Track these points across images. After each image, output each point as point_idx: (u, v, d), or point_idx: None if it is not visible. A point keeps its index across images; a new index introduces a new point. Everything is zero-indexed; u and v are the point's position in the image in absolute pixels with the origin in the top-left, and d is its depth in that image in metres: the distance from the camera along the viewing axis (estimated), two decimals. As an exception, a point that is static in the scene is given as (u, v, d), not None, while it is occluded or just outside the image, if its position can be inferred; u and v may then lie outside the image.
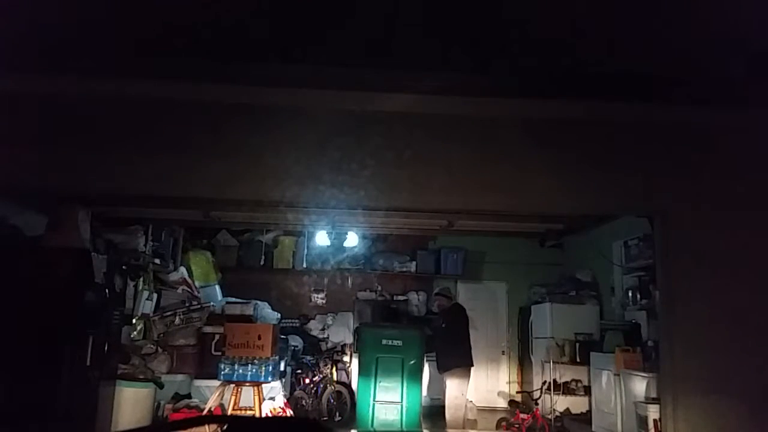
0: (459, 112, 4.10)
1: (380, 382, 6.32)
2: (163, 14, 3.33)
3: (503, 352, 9.15)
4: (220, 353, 6.11)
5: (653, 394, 5.41)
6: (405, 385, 6.28)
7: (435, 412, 8.32)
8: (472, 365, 6.62)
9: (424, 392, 8.28)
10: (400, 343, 6.39)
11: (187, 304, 6.97)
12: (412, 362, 6.35)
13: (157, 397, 6.28)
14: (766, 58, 3.50)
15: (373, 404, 6.30)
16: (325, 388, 7.64)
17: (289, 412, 6.57)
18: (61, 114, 3.97)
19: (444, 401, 6.61)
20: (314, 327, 8.88)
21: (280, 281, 9.01)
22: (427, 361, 7.88)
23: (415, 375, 6.38)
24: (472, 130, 4.16)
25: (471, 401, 8.19)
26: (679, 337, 4.13)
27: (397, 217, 6.70)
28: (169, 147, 4.07)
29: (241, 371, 5.76)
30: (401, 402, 6.25)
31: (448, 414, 6.43)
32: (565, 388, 7.37)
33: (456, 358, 6.49)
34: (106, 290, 5.76)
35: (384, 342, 6.44)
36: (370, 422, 6.28)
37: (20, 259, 4.93)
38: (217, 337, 6.65)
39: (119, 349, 6.17)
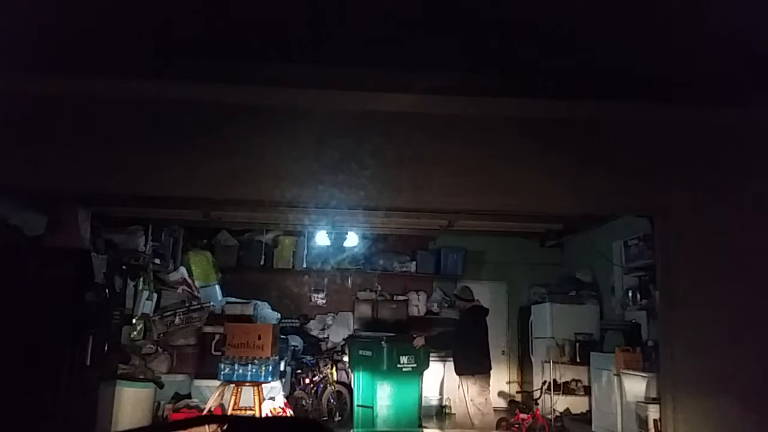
0: (459, 112, 4.10)
1: (360, 388, 6.65)
2: (162, 14, 3.33)
3: (503, 352, 9.14)
4: (220, 353, 6.11)
5: (653, 394, 5.41)
6: (377, 391, 6.47)
7: (438, 412, 8.37)
8: (490, 368, 6.50)
9: (437, 394, 8.35)
10: (370, 353, 6.61)
11: (187, 304, 6.97)
12: (382, 370, 6.42)
13: (157, 397, 6.28)
14: (766, 58, 3.50)
15: (357, 408, 6.63)
16: (325, 388, 7.65)
17: (289, 412, 6.57)
18: (61, 114, 3.96)
19: (451, 402, 6.55)
20: (314, 327, 8.88)
21: (280, 281, 9.01)
22: (442, 361, 7.93)
23: (389, 381, 6.43)
24: (472, 130, 4.16)
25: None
26: (679, 337, 4.12)
27: (397, 217, 6.70)
28: (169, 147, 4.07)
29: (241, 371, 5.76)
30: (373, 407, 6.45)
31: (477, 420, 6.23)
32: (565, 388, 7.38)
33: (475, 362, 6.36)
34: (106, 290, 5.76)
35: (360, 353, 6.76)
36: (355, 424, 6.50)
37: (20, 259, 4.93)
38: (217, 337, 6.64)
39: (119, 349, 6.17)
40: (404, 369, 6.50)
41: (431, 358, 7.24)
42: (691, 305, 4.09)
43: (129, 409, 5.81)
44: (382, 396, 6.41)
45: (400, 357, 6.51)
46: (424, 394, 7.36)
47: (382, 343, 6.52)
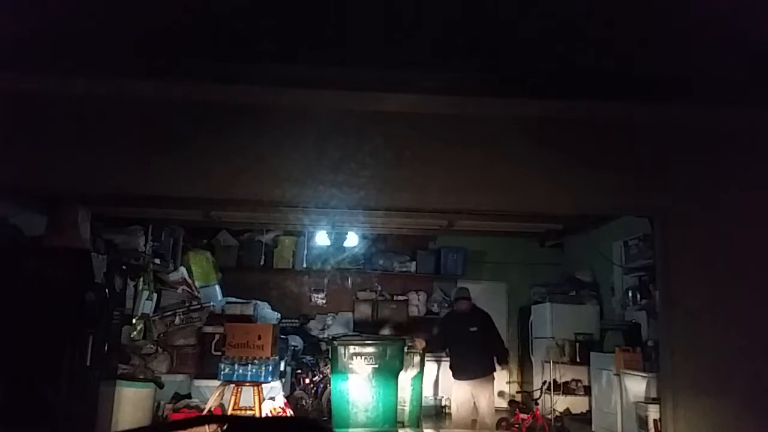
0: (459, 112, 4.10)
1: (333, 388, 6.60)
2: (163, 14, 3.33)
3: (503, 352, 9.13)
4: (220, 353, 6.11)
5: (653, 394, 5.42)
6: (334, 391, 6.43)
7: (436, 412, 8.36)
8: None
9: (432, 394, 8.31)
10: (329, 354, 6.59)
11: (187, 304, 6.98)
12: (335, 370, 6.38)
13: (157, 397, 6.28)
14: (766, 58, 3.50)
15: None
16: (325, 388, 7.64)
17: (289, 412, 6.57)
18: (61, 114, 3.96)
19: (452, 406, 6.40)
20: (314, 327, 8.88)
21: (280, 281, 9.01)
22: (436, 361, 7.89)
23: (342, 381, 6.38)
24: (472, 130, 4.16)
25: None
26: (679, 337, 4.12)
27: (397, 217, 6.71)
28: (169, 147, 4.07)
29: (241, 371, 5.76)
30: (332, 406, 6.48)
31: (489, 420, 6.15)
32: (565, 388, 7.38)
33: (486, 365, 6.25)
34: (106, 290, 5.76)
35: (329, 354, 6.66)
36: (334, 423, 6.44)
37: (20, 259, 4.93)
38: (217, 337, 6.64)
39: (119, 349, 6.17)
40: (357, 370, 6.28)
41: (427, 358, 7.22)
42: (691, 305, 4.09)
43: (129, 409, 5.80)
44: (337, 396, 6.35)
45: (354, 357, 6.33)
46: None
47: (335, 342, 6.47)
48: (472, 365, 6.23)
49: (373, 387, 6.31)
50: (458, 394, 6.31)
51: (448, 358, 6.85)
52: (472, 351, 6.22)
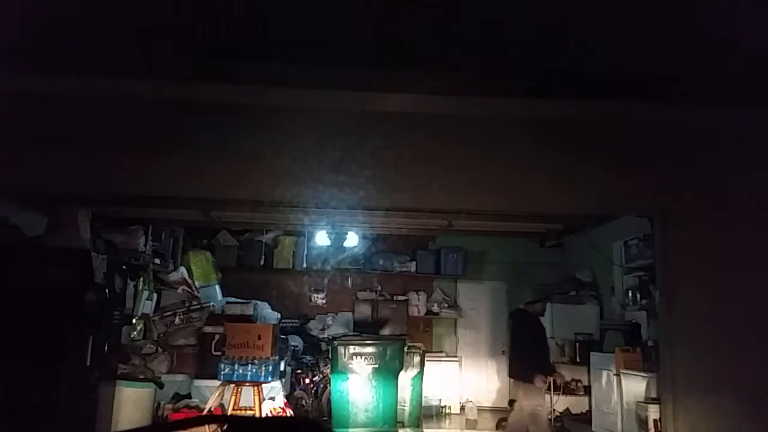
0: (459, 112, 4.10)
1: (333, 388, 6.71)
2: (162, 14, 3.33)
3: (503, 352, 9.12)
4: (220, 353, 6.11)
5: (653, 394, 5.41)
6: (334, 391, 6.55)
7: (437, 412, 8.36)
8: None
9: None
10: (329, 354, 6.70)
11: (187, 304, 6.98)
12: (335, 370, 6.46)
13: (157, 397, 6.28)
14: (766, 57, 3.50)
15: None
16: (325, 388, 7.63)
17: (289, 412, 6.57)
18: (61, 114, 3.96)
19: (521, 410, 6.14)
20: (314, 327, 8.88)
21: (280, 281, 9.01)
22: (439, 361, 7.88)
23: (343, 381, 6.45)
24: (472, 130, 4.16)
25: (471, 401, 8.20)
26: (679, 337, 4.13)
27: (397, 217, 6.70)
28: (169, 147, 4.07)
29: (241, 371, 5.76)
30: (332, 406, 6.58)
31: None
32: (565, 388, 7.37)
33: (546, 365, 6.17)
34: (106, 290, 5.76)
35: (329, 354, 6.76)
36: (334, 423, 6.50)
37: (20, 259, 4.93)
38: (217, 337, 6.65)
39: (119, 349, 6.17)
40: (357, 370, 6.32)
41: (429, 359, 7.22)
42: (691, 305, 4.09)
43: (129, 409, 5.80)
44: (337, 396, 6.40)
45: (354, 357, 6.38)
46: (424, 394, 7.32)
47: (335, 342, 6.49)
48: (547, 366, 6.12)
49: (373, 387, 6.32)
50: (523, 396, 6.08)
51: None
52: (546, 353, 6.16)
